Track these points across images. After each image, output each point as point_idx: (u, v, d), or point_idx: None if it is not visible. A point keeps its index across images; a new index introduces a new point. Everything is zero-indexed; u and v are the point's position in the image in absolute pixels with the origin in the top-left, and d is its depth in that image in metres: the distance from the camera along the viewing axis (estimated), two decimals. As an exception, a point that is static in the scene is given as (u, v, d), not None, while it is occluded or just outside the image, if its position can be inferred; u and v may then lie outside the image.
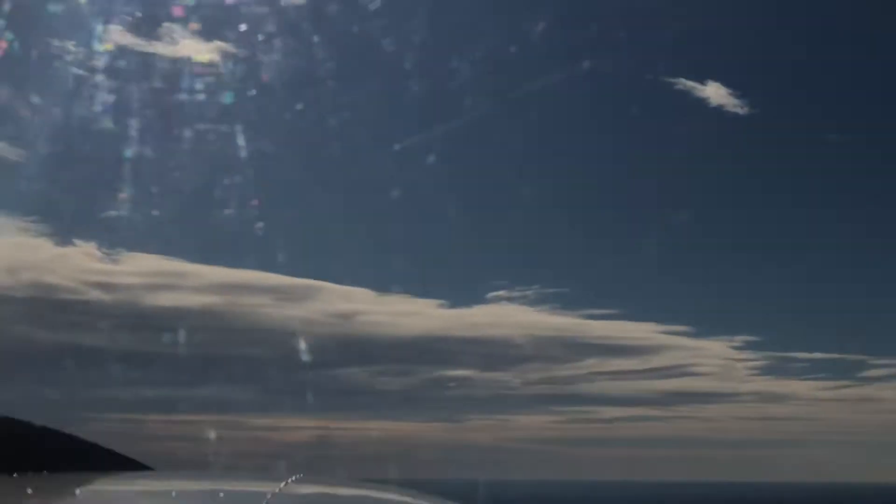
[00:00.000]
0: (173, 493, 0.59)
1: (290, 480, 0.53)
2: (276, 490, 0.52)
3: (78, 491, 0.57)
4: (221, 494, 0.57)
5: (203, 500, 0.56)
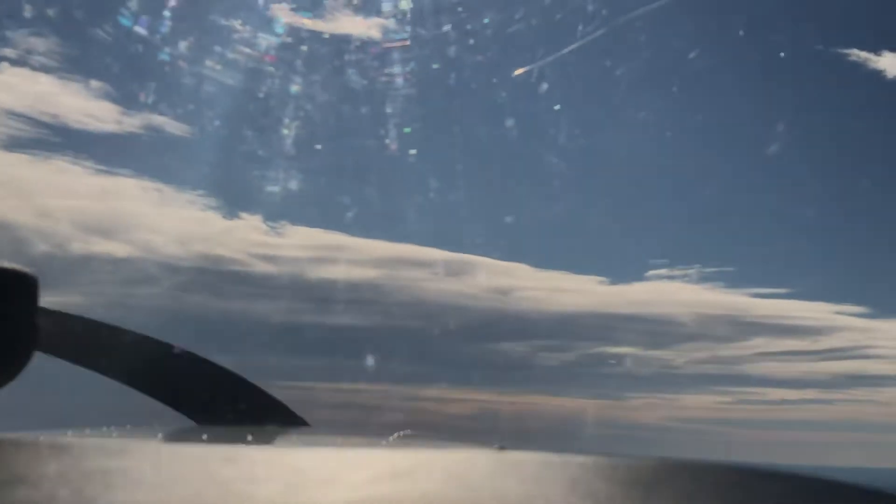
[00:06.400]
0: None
1: (398, 435, 0.54)
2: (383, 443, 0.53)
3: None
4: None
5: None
